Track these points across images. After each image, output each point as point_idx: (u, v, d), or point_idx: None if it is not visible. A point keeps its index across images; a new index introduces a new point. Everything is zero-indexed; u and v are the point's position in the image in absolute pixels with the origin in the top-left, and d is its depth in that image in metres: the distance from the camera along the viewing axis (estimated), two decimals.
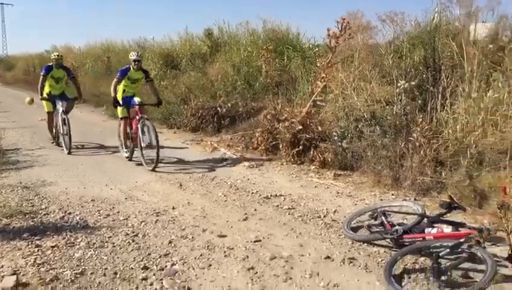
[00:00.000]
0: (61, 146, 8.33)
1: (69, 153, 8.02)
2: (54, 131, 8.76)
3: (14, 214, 4.82)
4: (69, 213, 4.96)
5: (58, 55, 8.71)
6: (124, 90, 7.48)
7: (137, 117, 7.16)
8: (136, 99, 7.37)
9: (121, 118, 7.57)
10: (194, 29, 19.17)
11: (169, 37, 16.49)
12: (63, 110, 8.23)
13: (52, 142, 8.81)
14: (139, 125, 7.06)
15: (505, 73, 6.14)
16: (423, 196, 5.34)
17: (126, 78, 7.39)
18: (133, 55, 7.43)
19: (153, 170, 6.75)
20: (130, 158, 7.52)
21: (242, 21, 13.46)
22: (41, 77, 8.53)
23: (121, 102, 7.35)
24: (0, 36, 58.66)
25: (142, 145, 7.00)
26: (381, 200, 5.29)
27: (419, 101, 6.56)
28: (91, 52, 20.70)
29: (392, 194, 5.51)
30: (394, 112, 6.55)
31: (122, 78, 7.34)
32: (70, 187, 5.97)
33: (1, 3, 69.38)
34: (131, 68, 7.39)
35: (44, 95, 8.48)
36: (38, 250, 3.98)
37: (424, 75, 7.17)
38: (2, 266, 3.66)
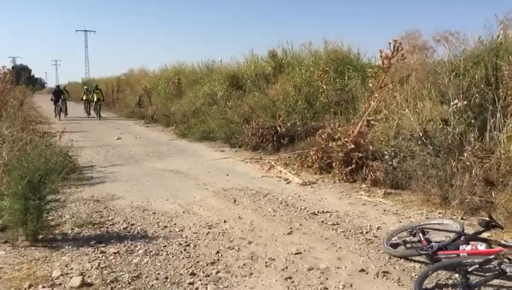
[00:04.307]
0: None
1: None
2: None
3: (85, 224, 5.41)
4: (132, 224, 5.48)
5: None
6: None
7: None
8: None
9: None
10: (260, 51, 19.75)
11: (235, 59, 17.22)
12: None
13: None
14: None
15: None
16: (471, 215, 5.34)
17: None
18: None
19: None
20: None
21: (305, 42, 13.78)
22: None
23: None
24: (83, 61, 63.37)
25: None
26: (427, 218, 5.34)
27: (473, 121, 6.51)
28: (164, 75, 21.94)
29: (439, 213, 5.54)
30: (447, 131, 6.55)
31: None
32: (135, 201, 6.52)
33: (84, 30, 75.43)
34: None
35: None
36: (102, 255, 4.47)
37: (486, 94, 7.06)
38: (72, 268, 4.17)
